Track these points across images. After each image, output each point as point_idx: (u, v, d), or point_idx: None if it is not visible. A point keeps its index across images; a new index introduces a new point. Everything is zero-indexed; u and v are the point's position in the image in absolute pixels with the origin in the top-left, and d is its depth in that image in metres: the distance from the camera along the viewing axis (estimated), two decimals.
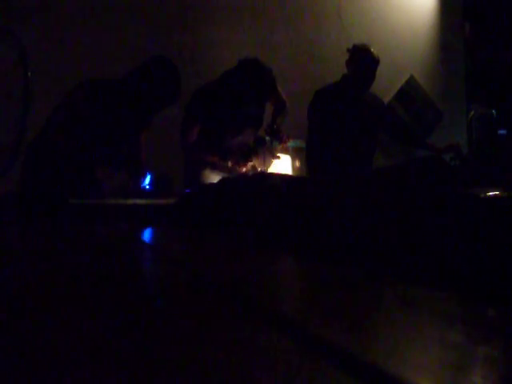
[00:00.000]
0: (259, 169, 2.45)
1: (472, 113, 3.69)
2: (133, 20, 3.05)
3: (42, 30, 2.79)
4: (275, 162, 2.50)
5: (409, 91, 4.16)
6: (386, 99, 3.80)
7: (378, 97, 2.90)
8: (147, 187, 2.17)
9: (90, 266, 0.67)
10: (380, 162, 2.97)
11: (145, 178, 2.18)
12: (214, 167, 2.40)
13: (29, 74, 2.14)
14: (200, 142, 2.35)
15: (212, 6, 3.34)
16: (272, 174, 1.34)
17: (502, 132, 3.60)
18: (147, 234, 1.22)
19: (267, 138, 2.46)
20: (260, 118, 2.50)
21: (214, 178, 2.31)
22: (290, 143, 2.63)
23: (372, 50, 2.65)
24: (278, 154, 2.51)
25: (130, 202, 1.81)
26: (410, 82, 4.17)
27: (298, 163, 2.75)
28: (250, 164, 2.43)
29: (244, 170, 2.42)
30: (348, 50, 2.69)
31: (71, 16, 2.90)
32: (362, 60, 2.61)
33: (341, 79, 2.70)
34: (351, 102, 2.63)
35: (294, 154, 2.74)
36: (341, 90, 2.65)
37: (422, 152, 3.29)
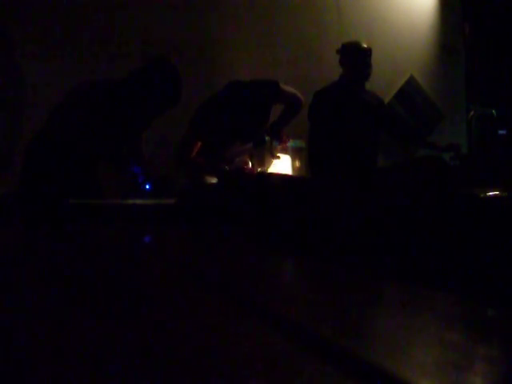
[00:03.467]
0: (259, 169, 2.45)
1: (472, 113, 3.69)
2: (134, 20, 3.05)
3: (38, 29, 2.79)
4: (275, 161, 2.50)
5: (409, 91, 4.16)
6: (386, 99, 3.80)
7: (378, 95, 2.90)
8: (147, 187, 2.17)
9: (90, 265, 0.67)
10: (380, 161, 2.97)
11: (145, 178, 2.18)
12: (212, 173, 2.38)
13: (22, 73, 2.15)
14: (200, 154, 2.35)
15: (213, 6, 3.34)
16: (272, 174, 1.34)
17: (501, 132, 3.60)
18: (147, 234, 1.22)
19: (267, 138, 2.46)
20: (261, 129, 2.48)
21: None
22: (290, 143, 2.63)
23: (360, 42, 2.67)
24: (278, 154, 2.51)
25: (130, 202, 1.81)
26: (410, 82, 4.17)
27: (297, 163, 2.75)
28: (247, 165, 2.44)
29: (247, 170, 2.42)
30: (337, 51, 2.71)
31: (69, 14, 2.89)
32: (353, 54, 2.63)
33: (339, 79, 2.70)
34: (351, 101, 2.64)
35: (294, 154, 2.74)
36: (340, 90, 2.65)
37: (422, 151, 3.29)
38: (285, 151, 2.60)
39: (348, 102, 2.62)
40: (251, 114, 2.35)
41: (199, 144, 2.32)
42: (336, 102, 2.61)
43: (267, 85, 2.39)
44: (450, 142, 2.91)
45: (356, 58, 2.63)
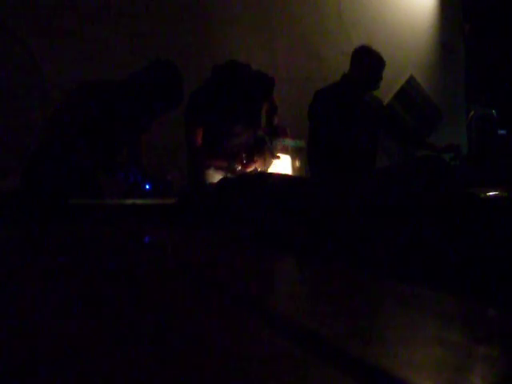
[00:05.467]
0: (259, 169, 2.45)
1: (472, 113, 3.69)
2: (136, 23, 3.05)
3: (49, 31, 2.79)
4: (275, 161, 2.50)
5: (409, 91, 4.16)
6: (386, 99, 3.80)
7: (377, 96, 2.91)
8: (147, 187, 2.17)
9: (90, 266, 0.67)
10: (380, 161, 2.97)
11: (145, 178, 2.18)
12: (222, 169, 2.40)
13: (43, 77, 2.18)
14: (205, 148, 2.36)
15: (213, 6, 3.34)
16: (272, 174, 1.34)
17: (502, 132, 3.60)
18: (147, 234, 1.22)
19: (267, 138, 2.46)
20: (257, 117, 2.50)
21: (219, 178, 2.32)
22: (290, 143, 2.63)
23: (377, 52, 2.69)
24: (278, 154, 2.51)
25: (130, 202, 1.80)
26: (410, 82, 4.18)
27: (297, 163, 2.75)
28: (253, 164, 2.43)
29: (249, 169, 2.42)
30: (355, 51, 2.70)
31: (76, 17, 2.89)
32: (374, 62, 2.64)
33: (341, 79, 2.70)
34: (353, 102, 2.64)
35: (294, 154, 2.74)
36: (342, 90, 2.65)
37: (423, 152, 3.29)
38: (285, 151, 2.60)
39: (350, 103, 2.62)
40: (244, 94, 2.35)
41: (200, 130, 2.33)
42: (337, 103, 2.61)
43: (264, 75, 2.45)
44: (449, 143, 2.90)
45: (376, 68, 2.65)
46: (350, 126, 2.60)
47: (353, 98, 2.65)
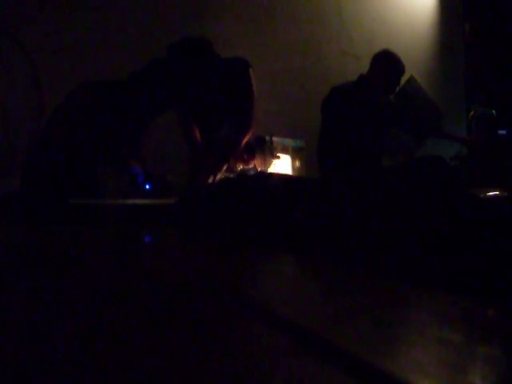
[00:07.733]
0: (259, 169, 2.45)
1: (472, 113, 3.69)
2: (135, 19, 3.05)
3: (47, 29, 2.79)
4: (275, 161, 2.50)
5: (409, 91, 4.16)
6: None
7: (388, 97, 2.91)
8: (147, 187, 2.18)
9: (90, 266, 0.67)
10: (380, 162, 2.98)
11: (144, 178, 2.18)
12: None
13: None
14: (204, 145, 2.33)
15: (212, 6, 3.34)
16: (272, 174, 1.34)
17: (501, 132, 3.60)
18: (147, 234, 1.22)
19: (267, 138, 2.46)
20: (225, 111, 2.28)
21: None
22: (290, 143, 2.63)
23: (399, 58, 2.72)
24: (278, 154, 2.52)
25: (130, 201, 1.81)
26: (410, 82, 4.18)
27: (298, 163, 2.75)
28: (254, 161, 2.41)
29: (249, 166, 2.40)
30: (377, 54, 2.71)
31: (75, 13, 2.89)
32: (390, 67, 2.66)
33: (358, 80, 2.69)
34: (366, 104, 2.63)
35: (294, 154, 2.75)
36: (357, 91, 2.65)
37: (423, 151, 3.29)
38: (285, 151, 2.61)
39: (363, 104, 2.62)
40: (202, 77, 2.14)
41: (191, 122, 2.28)
42: (352, 101, 2.61)
43: (237, 60, 2.21)
44: (464, 137, 2.96)
45: (396, 74, 2.68)
46: (361, 127, 2.60)
47: (367, 99, 2.64)
